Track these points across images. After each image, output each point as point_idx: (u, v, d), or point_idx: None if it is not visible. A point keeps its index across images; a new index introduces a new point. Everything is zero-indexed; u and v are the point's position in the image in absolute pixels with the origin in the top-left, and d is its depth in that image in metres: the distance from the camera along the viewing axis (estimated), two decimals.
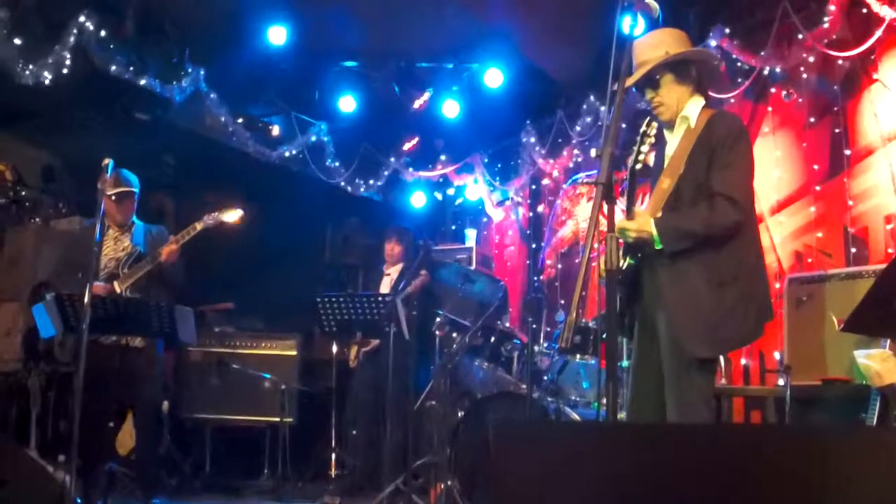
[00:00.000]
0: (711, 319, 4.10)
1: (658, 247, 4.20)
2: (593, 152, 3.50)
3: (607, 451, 2.20)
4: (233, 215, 6.84)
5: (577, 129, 9.40)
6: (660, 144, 4.61)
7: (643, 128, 4.07)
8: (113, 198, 6.69)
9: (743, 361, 7.86)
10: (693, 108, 4.44)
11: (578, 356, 6.82)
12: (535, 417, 6.46)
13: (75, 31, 7.76)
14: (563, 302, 9.78)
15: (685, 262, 4.12)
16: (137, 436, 7.10)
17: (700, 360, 4.14)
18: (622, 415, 5.13)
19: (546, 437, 2.30)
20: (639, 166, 4.07)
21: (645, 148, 4.05)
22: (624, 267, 4.38)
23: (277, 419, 8.37)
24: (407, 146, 11.36)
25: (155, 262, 6.67)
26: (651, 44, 4.47)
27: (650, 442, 2.24)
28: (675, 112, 4.50)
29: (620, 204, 4.09)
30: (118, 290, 6.64)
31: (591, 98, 9.24)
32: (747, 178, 4.32)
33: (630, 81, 4.40)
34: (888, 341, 5.23)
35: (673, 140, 4.52)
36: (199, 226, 6.74)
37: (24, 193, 9.45)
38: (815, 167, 7.72)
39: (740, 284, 4.17)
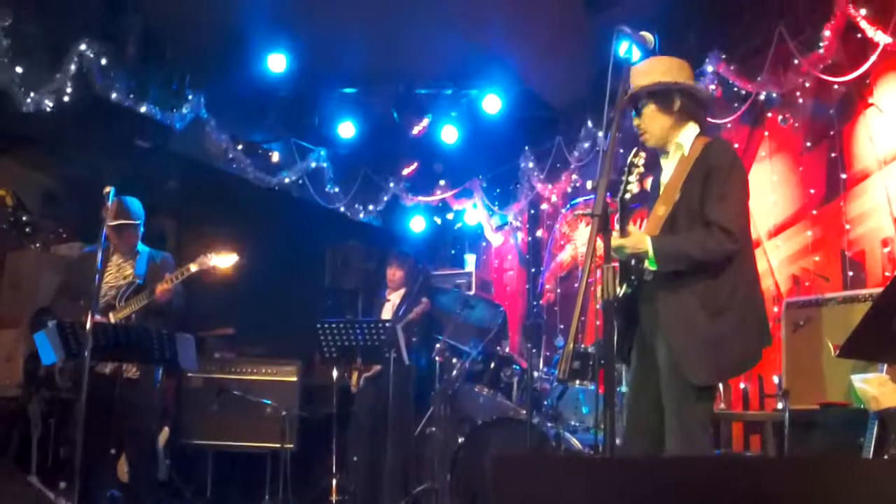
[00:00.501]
0: (709, 347, 4.12)
1: (652, 266, 4.23)
2: (589, 184, 3.56)
3: (609, 483, 2.21)
4: (228, 260, 6.82)
5: (576, 154, 9.45)
6: (656, 171, 4.65)
7: (630, 158, 4.12)
8: (115, 229, 6.70)
9: (742, 386, 7.87)
10: (687, 136, 4.47)
11: (578, 382, 6.84)
12: (535, 443, 6.48)
13: (76, 58, 7.83)
14: (562, 326, 9.80)
15: (682, 291, 4.13)
16: (131, 465, 7.10)
17: (699, 387, 4.16)
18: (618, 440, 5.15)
19: (548, 468, 2.32)
20: (627, 196, 4.12)
21: (633, 178, 4.09)
22: (620, 295, 4.40)
23: (278, 445, 8.36)
24: (406, 171, 11.43)
25: (150, 298, 6.69)
26: (642, 71, 4.51)
27: (652, 475, 2.25)
28: (659, 139, 4.54)
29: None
30: (112, 321, 6.63)
31: (589, 124, 9.29)
32: (743, 207, 4.36)
33: (620, 104, 4.48)
34: (885, 365, 5.26)
35: (668, 167, 4.56)
36: (193, 267, 6.71)
37: (24, 218, 9.49)
38: (812, 191, 7.77)
39: (736, 312, 4.20)
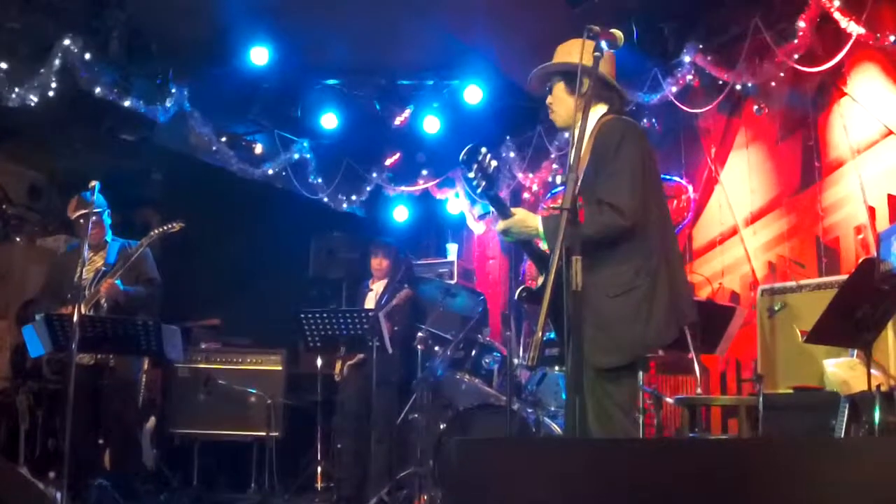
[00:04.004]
0: (611, 330, 4.11)
1: (544, 245, 4.30)
2: (559, 179, 3.66)
3: (566, 467, 2.30)
4: (174, 227, 6.99)
5: (556, 143, 9.52)
6: (539, 171, 4.78)
7: (462, 156, 4.23)
8: (81, 221, 6.78)
9: (720, 370, 8.01)
10: (593, 116, 4.37)
11: (557, 368, 6.94)
12: (516, 428, 6.58)
13: (61, 53, 7.84)
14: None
15: (586, 281, 3.66)
16: (112, 452, 7.19)
17: (609, 370, 4.15)
18: None
19: (508, 453, 2.41)
20: (479, 189, 4.30)
21: (472, 174, 4.25)
22: (537, 286, 4.50)
23: (264, 433, 8.46)
24: (389, 161, 11.49)
25: (112, 276, 6.81)
26: (561, 51, 4.57)
27: (608, 458, 2.35)
28: (566, 120, 4.54)
29: None
30: (83, 311, 6.66)
31: None
32: (634, 184, 4.20)
33: (528, 86, 4.65)
34: (856, 350, 5.39)
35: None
36: (144, 242, 6.91)
37: (10, 211, 9.54)
38: (788, 179, 7.89)
39: (640, 291, 4.14)
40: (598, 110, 4.41)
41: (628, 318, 4.12)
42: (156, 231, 6.95)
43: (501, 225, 4.36)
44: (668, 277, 4.26)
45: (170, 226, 6.97)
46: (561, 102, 4.54)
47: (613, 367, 4.16)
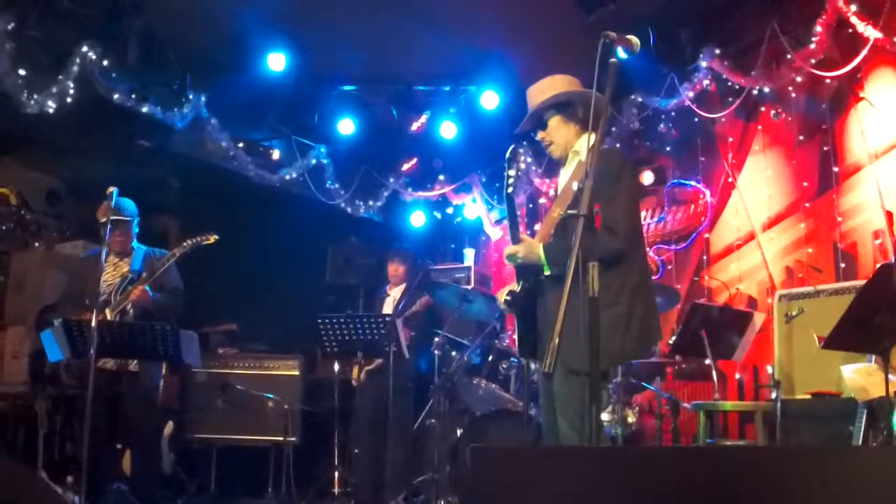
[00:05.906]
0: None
1: (547, 271, 4.47)
2: (575, 185, 3.68)
3: (583, 474, 2.31)
4: (208, 239, 6.93)
5: None
6: (557, 180, 4.86)
7: (508, 154, 4.47)
8: (109, 226, 6.77)
9: (737, 376, 7.99)
10: (584, 143, 4.55)
11: None
12: (533, 434, 6.57)
13: (79, 60, 7.87)
14: None
15: (574, 292, 3.81)
16: (133, 457, 7.20)
17: (580, 373, 4.16)
18: None
19: (523, 461, 2.42)
20: (510, 189, 4.47)
21: (512, 171, 4.45)
22: (518, 290, 4.59)
23: (281, 439, 8.46)
24: (406, 167, 11.50)
25: (145, 283, 6.80)
26: (539, 90, 4.78)
27: (626, 465, 2.35)
28: (564, 149, 4.77)
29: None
30: (109, 317, 6.69)
31: None
32: (629, 209, 4.54)
33: (520, 128, 4.88)
34: (874, 356, 5.35)
35: (566, 173, 4.81)
36: (177, 252, 6.87)
37: (28, 217, 9.58)
38: (805, 184, 7.88)
39: (621, 307, 4.38)
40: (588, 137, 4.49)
41: (608, 330, 4.19)
42: (188, 242, 6.89)
43: (509, 250, 4.58)
44: (644, 296, 4.52)
45: (203, 237, 6.92)
46: (559, 132, 4.78)
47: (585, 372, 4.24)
